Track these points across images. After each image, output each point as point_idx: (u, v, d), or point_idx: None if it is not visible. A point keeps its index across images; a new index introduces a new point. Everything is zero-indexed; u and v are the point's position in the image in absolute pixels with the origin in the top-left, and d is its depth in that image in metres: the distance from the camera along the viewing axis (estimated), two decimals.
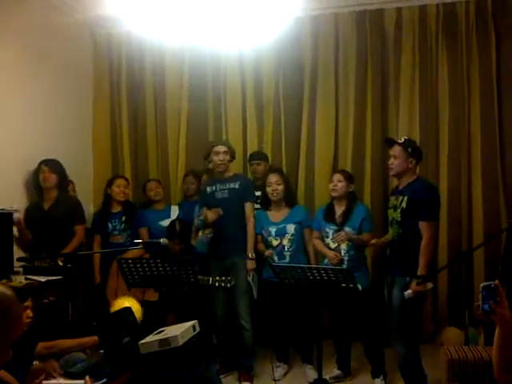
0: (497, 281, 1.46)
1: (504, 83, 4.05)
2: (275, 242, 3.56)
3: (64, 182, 3.80)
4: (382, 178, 4.21)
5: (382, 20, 4.26)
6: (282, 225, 3.57)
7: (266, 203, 3.69)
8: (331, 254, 3.38)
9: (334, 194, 3.49)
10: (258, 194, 3.99)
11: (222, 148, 3.58)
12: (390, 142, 3.19)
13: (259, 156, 4.16)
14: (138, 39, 4.57)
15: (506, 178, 4.05)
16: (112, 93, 4.75)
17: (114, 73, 4.74)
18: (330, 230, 3.44)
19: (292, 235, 3.54)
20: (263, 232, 3.61)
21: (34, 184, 3.75)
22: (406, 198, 3.00)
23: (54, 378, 1.50)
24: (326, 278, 2.91)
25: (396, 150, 3.07)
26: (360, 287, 3.10)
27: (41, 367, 1.52)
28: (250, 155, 4.25)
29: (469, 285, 3.86)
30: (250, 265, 3.49)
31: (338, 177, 3.48)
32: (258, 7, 3.76)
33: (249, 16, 3.77)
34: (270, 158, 4.35)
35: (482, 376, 2.51)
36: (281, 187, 3.58)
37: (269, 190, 3.61)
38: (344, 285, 2.90)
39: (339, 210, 3.44)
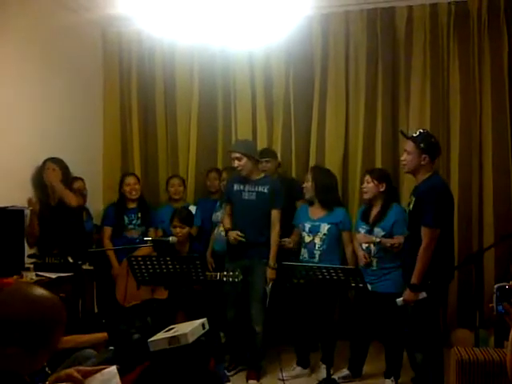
0: (511, 282, 1.45)
1: None
2: (308, 239, 3.53)
3: (68, 178, 3.81)
4: (393, 175, 4.17)
5: (393, 18, 4.22)
6: (317, 223, 3.52)
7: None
8: (361, 254, 3.33)
9: (364, 196, 3.44)
10: None
11: (233, 154, 3.53)
12: (404, 136, 3.05)
13: (268, 154, 4.11)
14: (148, 38, 4.58)
15: None
16: (122, 91, 4.77)
17: (125, 71, 4.75)
18: (362, 229, 3.37)
19: (324, 235, 3.49)
20: (300, 225, 3.60)
21: (39, 182, 3.75)
22: (414, 200, 2.90)
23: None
24: (335, 277, 2.90)
25: (409, 145, 2.92)
26: (370, 288, 3.09)
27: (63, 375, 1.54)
28: (259, 153, 4.23)
29: (479, 286, 3.81)
30: (271, 274, 3.43)
31: (366, 178, 3.38)
32: (268, 5, 3.75)
33: (259, 14, 3.76)
34: (279, 156, 4.33)
35: (492, 378, 2.49)
36: (308, 184, 3.57)
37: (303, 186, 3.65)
38: (354, 284, 2.89)
39: (375, 210, 3.34)
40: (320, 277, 2.92)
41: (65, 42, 4.15)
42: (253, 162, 3.54)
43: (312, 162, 4.35)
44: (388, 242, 3.24)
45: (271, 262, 3.43)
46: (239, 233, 3.44)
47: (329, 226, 3.49)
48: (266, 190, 3.52)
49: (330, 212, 3.55)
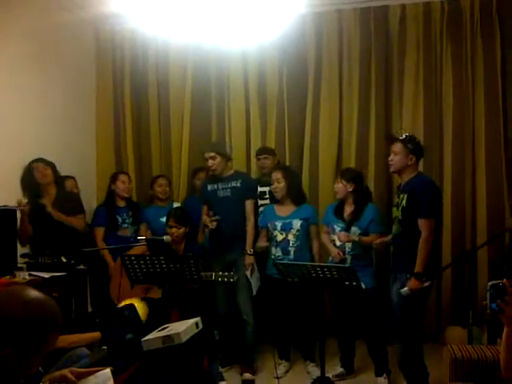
0: (505, 279, 1.46)
1: (509, 79, 4.03)
2: (280, 237, 3.55)
3: (59, 176, 3.76)
4: (386, 175, 4.19)
5: (386, 17, 4.24)
6: (288, 220, 3.55)
7: (274, 198, 3.71)
8: (335, 251, 3.38)
9: (336, 196, 3.55)
10: (266, 189, 4.00)
11: (208, 154, 3.63)
12: (391, 139, 3.18)
13: (266, 150, 4.18)
14: (141, 36, 4.56)
15: (511, 176, 4.02)
16: (115, 90, 4.74)
17: (118, 70, 4.73)
18: (337, 227, 3.43)
19: (297, 231, 3.53)
20: (268, 225, 3.61)
21: (30, 182, 3.67)
22: (405, 196, 2.99)
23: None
24: (329, 275, 2.90)
25: (396, 147, 3.06)
26: (363, 286, 3.10)
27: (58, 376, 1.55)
28: (257, 150, 4.26)
29: (472, 284, 3.84)
30: (248, 260, 3.53)
31: (338, 179, 3.50)
32: (261, 4, 3.74)
33: (252, 13, 3.75)
34: None
35: (485, 375, 2.51)
36: (281, 185, 3.56)
37: (272, 187, 3.63)
38: (347, 283, 2.90)
39: (349, 208, 3.43)
40: (314, 275, 2.93)
41: (58, 41, 4.12)
42: (225, 160, 3.66)
43: (306, 161, 4.36)
44: (378, 240, 3.29)
45: (247, 248, 3.53)
46: (211, 218, 3.58)
47: (301, 221, 3.54)
48: (239, 185, 3.63)
49: (299, 208, 3.59)
